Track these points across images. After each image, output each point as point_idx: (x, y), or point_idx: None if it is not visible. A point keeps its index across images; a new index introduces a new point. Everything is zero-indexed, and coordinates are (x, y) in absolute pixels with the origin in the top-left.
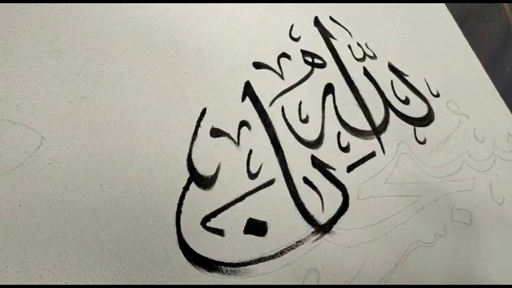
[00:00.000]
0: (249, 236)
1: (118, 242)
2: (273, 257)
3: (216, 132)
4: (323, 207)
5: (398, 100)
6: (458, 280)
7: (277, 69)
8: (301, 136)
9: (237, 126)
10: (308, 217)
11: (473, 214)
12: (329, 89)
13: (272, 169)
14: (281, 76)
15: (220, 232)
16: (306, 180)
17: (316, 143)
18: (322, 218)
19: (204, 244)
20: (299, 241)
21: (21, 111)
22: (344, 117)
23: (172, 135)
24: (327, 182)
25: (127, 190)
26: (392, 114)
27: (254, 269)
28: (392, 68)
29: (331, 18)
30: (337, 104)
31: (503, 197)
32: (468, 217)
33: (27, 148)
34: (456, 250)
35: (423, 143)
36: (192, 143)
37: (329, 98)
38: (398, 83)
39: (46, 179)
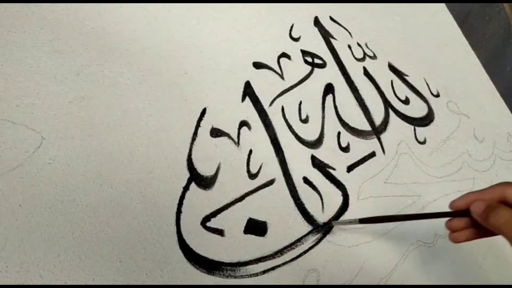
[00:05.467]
0: (249, 236)
1: (118, 242)
2: (273, 257)
3: (216, 132)
4: (323, 207)
5: (398, 100)
6: (458, 280)
7: (277, 69)
8: (301, 136)
9: (237, 126)
10: (308, 217)
11: None
12: (329, 89)
13: (272, 169)
14: (281, 76)
15: (220, 232)
16: (306, 180)
17: (316, 143)
18: (322, 218)
19: (204, 244)
20: (299, 241)
21: (21, 111)
22: (344, 117)
23: (172, 135)
24: (327, 182)
25: (127, 190)
26: (392, 114)
27: (254, 269)
28: (392, 68)
29: (331, 18)
30: (337, 104)
31: None
32: None
33: (27, 148)
34: (456, 250)
35: (423, 143)
36: (192, 143)
37: (329, 98)
38: (398, 83)
39: (46, 179)
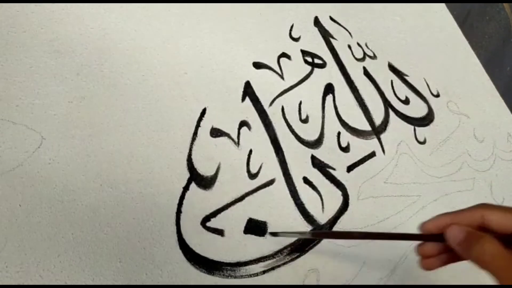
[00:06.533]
0: (249, 236)
1: (118, 242)
2: (273, 257)
3: (216, 132)
4: (323, 207)
5: (398, 100)
6: (458, 280)
7: (277, 69)
8: (301, 136)
9: (237, 126)
10: (308, 217)
11: None
12: (329, 89)
13: (272, 169)
14: (281, 76)
15: (220, 232)
16: (306, 180)
17: (316, 143)
18: (322, 218)
19: (204, 244)
20: (299, 241)
21: (21, 111)
22: (344, 117)
23: (172, 135)
24: (327, 182)
25: (127, 190)
26: (392, 114)
27: (254, 269)
28: (392, 68)
29: (331, 18)
30: (337, 104)
31: (503, 197)
32: None
33: (27, 148)
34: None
35: (423, 143)
36: (192, 143)
37: (329, 98)
38: (398, 83)
39: (46, 179)
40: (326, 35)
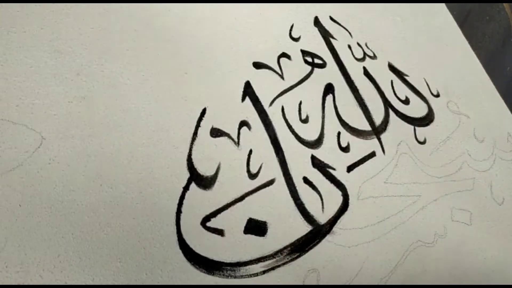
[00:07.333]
0: (249, 236)
1: (118, 242)
2: (273, 257)
3: (216, 132)
4: (323, 207)
5: (398, 100)
6: (458, 280)
7: (277, 69)
8: (301, 136)
9: (237, 126)
10: (308, 217)
11: (473, 214)
12: (329, 89)
13: (272, 169)
14: (281, 76)
15: (220, 232)
16: (306, 180)
17: (316, 143)
18: (322, 218)
19: (204, 244)
20: (299, 241)
21: (21, 111)
22: (344, 117)
23: (172, 135)
24: (327, 182)
25: (127, 190)
26: (392, 114)
27: (254, 269)
28: (392, 68)
29: (331, 18)
30: (337, 104)
31: (503, 197)
32: (468, 217)
33: (27, 148)
34: (456, 250)
35: (423, 143)
36: (192, 143)
37: (329, 98)
38: (398, 83)
39: (46, 179)
40: (326, 35)
